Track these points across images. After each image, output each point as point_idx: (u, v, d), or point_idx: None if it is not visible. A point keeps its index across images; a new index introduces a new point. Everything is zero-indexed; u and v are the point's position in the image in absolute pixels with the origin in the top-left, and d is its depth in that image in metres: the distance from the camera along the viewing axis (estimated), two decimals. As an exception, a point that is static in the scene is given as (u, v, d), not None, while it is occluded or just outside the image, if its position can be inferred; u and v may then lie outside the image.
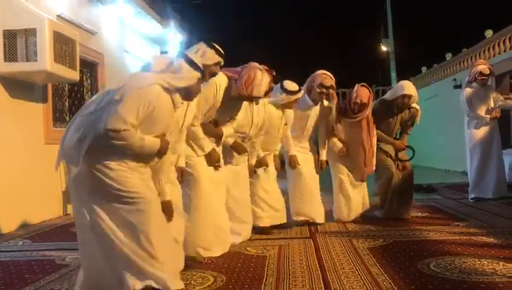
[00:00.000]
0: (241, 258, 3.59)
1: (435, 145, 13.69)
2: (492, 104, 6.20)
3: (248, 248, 3.89)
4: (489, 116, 6.11)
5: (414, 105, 5.19)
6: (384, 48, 19.18)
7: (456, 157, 10.84)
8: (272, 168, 4.65)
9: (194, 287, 2.94)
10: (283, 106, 4.48)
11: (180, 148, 3.31)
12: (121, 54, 8.21)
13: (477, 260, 3.29)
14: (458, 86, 11.59)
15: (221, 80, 3.64)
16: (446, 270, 3.09)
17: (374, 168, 5.02)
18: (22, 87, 5.43)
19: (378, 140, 5.06)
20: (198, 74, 2.79)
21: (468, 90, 6.22)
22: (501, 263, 3.19)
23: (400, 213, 5.09)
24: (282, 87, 4.43)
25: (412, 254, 3.54)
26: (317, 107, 4.87)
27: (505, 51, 9.92)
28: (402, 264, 3.29)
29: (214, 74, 3.39)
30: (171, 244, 2.88)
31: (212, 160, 3.66)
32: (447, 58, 13.47)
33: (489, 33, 10.69)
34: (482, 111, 6.15)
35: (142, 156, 2.67)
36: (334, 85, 4.76)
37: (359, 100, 4.79)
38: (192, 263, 3.40)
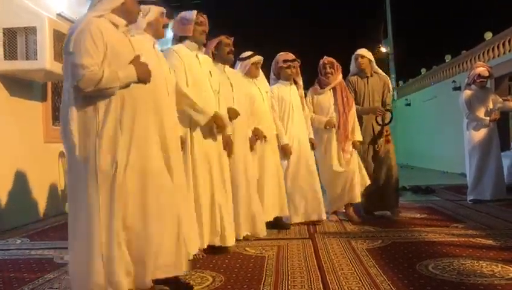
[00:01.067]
0: (240, 258, 3.59)
1: (433, 147, 13.72)
2: (491, 106, 6.21)
3: (247, 248, 3.89)
4: (488, 118, 6.12)
5: (381, 72, 5.45)
6: (383, 49, 19.21)
7: (454, 159, 10.86)
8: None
9: (193, 287, 2.94)
10: (248, 75, 4.57)
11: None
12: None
13: (475, 261, 3.30)
14: (457, 88, 11.61)
15: (172, 48, 3.73)
16: (445, 271, 3.09)
17: (360, 138, 5.09)
18: (21, 86, 5.43)
19: (358, 116, 5.16)
20: None
21: (467, 92, 6.24)
22: (500, 265, 3.19)
23: (382, 207, 5.16)
24: (239, 58, 4.61)
25: (410, 255, 3.54)
26: (294, 86, 5.01)
27: (504, 53, 9.95)
28: (400, 265, 3.29)
29: (166, 25, 3.32)
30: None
31: (222, 123, 3.64)
32: (446, 60, 13.49)
33: (488, 35, 10.71)
34: (481, 113, 6.16)
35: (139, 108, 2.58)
36: (297, 59, 4.97)
37: (326, 60, 5.14)
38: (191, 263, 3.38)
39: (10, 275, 3.32)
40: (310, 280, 3.00)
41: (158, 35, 3.15)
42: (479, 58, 11.03)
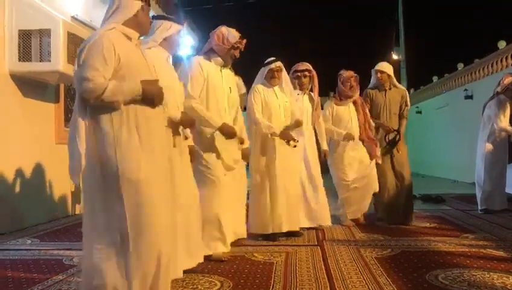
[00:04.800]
0: (248, 264, 3.58)
1: (444, 155, 13.62)
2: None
3: (255, 254, 3.89)
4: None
5: (399, 85, 5.58)
6: (395, 57, 19.14)
7: (465, 168, 10.76)
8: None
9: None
10: (269, 83, 4.55)
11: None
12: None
13: (486, 273, 3.26)
14: (469, 97, 11.53)
15: (199, 58, 3.77)
16: (455, 282, 3.06)
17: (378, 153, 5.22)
18: (34, 87, 5.48)
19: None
20: (138, 3, 2.65)
21: (500, 101, 6.11)
22: (511, 277, 3.15)
23: (399, 220, 5.24)
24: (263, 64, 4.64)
25: (420, 265, 3.51)
26: (307, 96, 5.09)
27: (518, 62, 9.86)
28: (410, 275, 3.26)
29: (179, 43, 3.43)
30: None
31: (228, 132, 3.66)
32: (459, 68, 13.40)
33: (502, 44, 10.62)
34: (506, 124, 6.06)
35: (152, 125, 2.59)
36: (310, 69, 5.02)
37: (352, 74, 5.25)
38: (195, 268, 3.36)
39: (20, 275, 3.34)
40: (318, 288, 2.98)
41: (172, 50, 3.32)
42: (491, 66, 10.95)
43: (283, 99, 4.60)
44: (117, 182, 2.45)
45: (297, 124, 4.57)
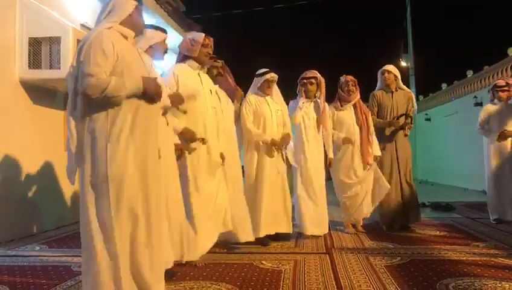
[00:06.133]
0: (256, 272, 3.56)
1: (453, 163, 13.52)
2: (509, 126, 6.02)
3: (263, 262, 3.87)
4: (495, 135, 5.95)
5: (405, 87, 5.63)
6: (403, 64, 19.07)
7: (475, 176, 10.67)
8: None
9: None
10: (262, 92, 4.70)
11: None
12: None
13: (498, 282, 3.21)
14: (479, 104, 11.44)
15: (177, 67, 3.85)
16: (466, 292, 3.02)
17: (379, 152, 5.28)
18: (44, 94, 5.53)
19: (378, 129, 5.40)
20: (133, 2, 2.75)
21: (488, 106, 6.17)
22: (523, 287, 3.10)
23: (405, 220, 5.32)
24: (255, 75, 4.76)
25: (430, 274, 3.47)
26: (313, 104, 5.10)
27: (527, 69, 9.79)
28: (420, 283, 3.22)
29: (166, 50, 3.51)
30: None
31: (189, 136, 3.67)
32: (468, 76, 13.31)
33: (511, 51, 10.55)
34: (496, 129, 5.99)
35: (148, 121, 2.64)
36: (318, 77, 5.05)
37: (349, 78, 5.30)
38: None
39: (29, 282, 3.35)
40: (327, 296, 2.96)
41: (157, 57, 3.43)
42: (501, 73, 10.87)
43: (275, 108, 4.74)
44: (105, 178, 2.49)
45: (286, 138, 4.70)
